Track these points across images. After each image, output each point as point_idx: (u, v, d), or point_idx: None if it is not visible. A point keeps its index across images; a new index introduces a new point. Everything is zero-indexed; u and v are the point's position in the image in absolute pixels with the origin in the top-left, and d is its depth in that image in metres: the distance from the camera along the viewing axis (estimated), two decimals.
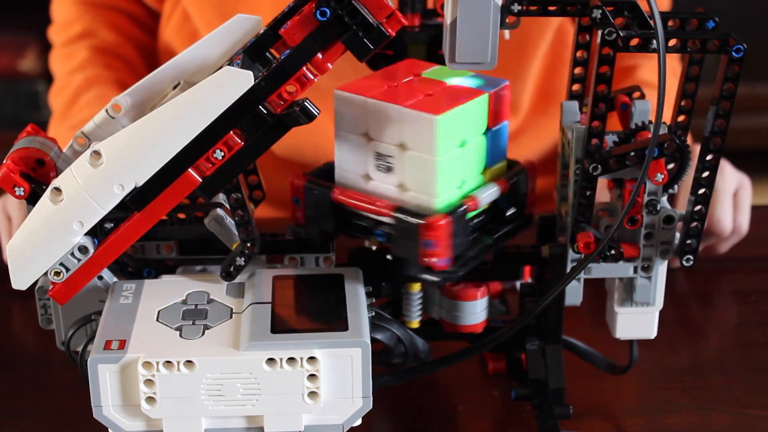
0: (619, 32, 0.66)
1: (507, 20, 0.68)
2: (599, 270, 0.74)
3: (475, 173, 0.71)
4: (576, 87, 0.76)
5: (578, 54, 0.75)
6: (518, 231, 0.74)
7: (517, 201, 0.73)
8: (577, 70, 0.76)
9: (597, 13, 0.67)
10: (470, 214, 0.69)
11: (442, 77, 0.72)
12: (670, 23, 0.70)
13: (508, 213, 0.73)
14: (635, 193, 0.67)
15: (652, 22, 0.67)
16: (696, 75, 0.71)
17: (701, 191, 0.71)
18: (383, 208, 0.68)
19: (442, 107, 0.67)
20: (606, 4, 0.67)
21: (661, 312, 0.76)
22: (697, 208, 0.71)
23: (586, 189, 0.70)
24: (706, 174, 0.70)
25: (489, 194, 0.71)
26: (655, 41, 0.65)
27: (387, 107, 0.67)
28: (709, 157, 0.70)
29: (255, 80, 0.63)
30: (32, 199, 0.67)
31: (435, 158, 0.67)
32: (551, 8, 0.69)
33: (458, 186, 0.69)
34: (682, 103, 0.72)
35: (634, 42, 0.66)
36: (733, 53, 0.67)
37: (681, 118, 0.73)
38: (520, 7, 0.68)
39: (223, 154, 0.65)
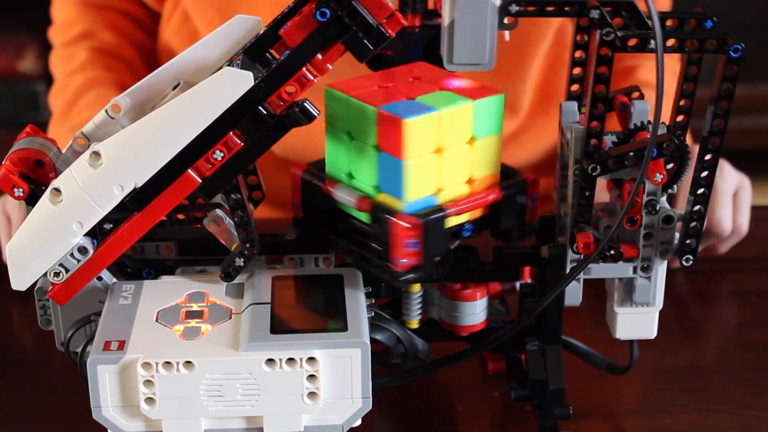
0: (617, 32, 0.66)
1: (505, 21, 0.68)
2: (599, 270, 0.74)
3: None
4: (575, 87, 0.76)
5: (577, 54, 0.75)
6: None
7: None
8: (576, 71, 0.76)
9: (595, 14, 0.67)
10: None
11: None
12: (668, 23, 0.70)
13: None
14: (634, 193, 0.67)
15: (650, 22, 0.67)
16: (694, 75, 0.71)
17: (700, 191, 0.71)
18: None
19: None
20: (604, 5, 0.67)
21: (660, 312, 0.76)
22: (696, 207, 0.71)
23: (585, 189, 0.70)
24: (705, 174, 0.70)
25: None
26: (653, 41, 0.65)
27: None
28: (707, 157, 0.70)
29: (255, 81, 0.63)
30: (31, 199, 0.67)
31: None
32: (549, 9, 0.69)
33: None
34: (681, 103, 0.72)
35: (632, 42, 0.66)
36: (731, 53, 0.66)
37: (680, 118, 0.73)
38: (517, 8, 0.68)
39: (222, 154, 0.65)
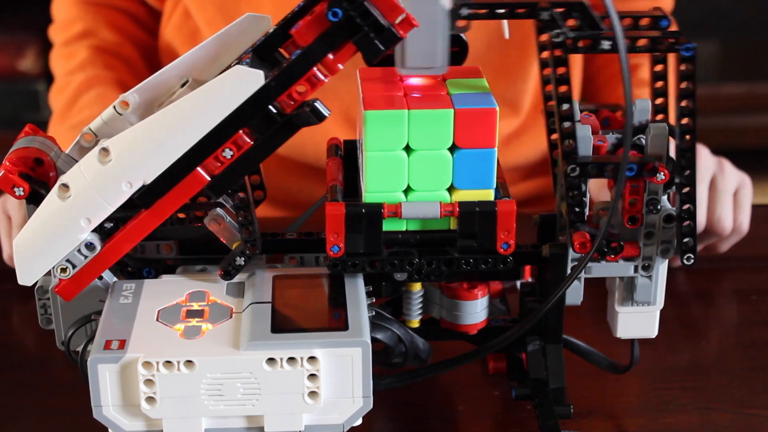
0: (568, 34, 0.65)
1: (456, 24, 0.68)
2: (600, 269, 0.74)
3: (433, 187, 0.69)
4: (549, 87, 0.75)
5: (543, 55, 0.74)
6: (474, 265, 0.70)
7: (474, 234, 0.69)
8: (546, 71, 0.75)
9: (545, 15, 0.67)
10: (393, 221, 0.68)
11: (458, 87, 0.70)
12: (624, 22, 0.69)
13: (459, 243, 0.69)
14: (615, 200, 0.68)
15: (605, 23, 0.67)
16: (662, 73, 0.71)
17: (685, 190, 0.71)
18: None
19: (385, 106, 0.67)
20: (555, 6, 0.67)
21: (661, 311, 0.76)
22: (685, 206, 0.71)
23: (569, 190, 0.70)
24: (687, 173, 0.70)
25: (420, 210, 0.69)
26: (603, 42, 0.65)
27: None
28: (684, 158, 0.69)
29: (265, 80, 0.63)
30: (32, 199, 0.67)
31: (365, 152, 0.67)
32: (500, 11, 0.68)
33: (401, 190, 0.68)
34: (657, 102, 0.72)
35: (583, 43, 0.66)
36: (683, 52, 0.66)
37: (660, 117, 0.73)
38: (468, 11, 0.68)
39: (232, 153, 0.65)
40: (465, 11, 0.67)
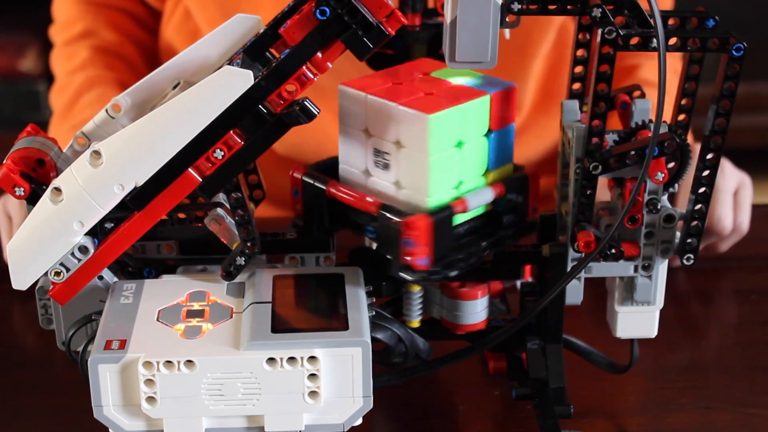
0: (619, 31, 0.66)
1: (507, 19, 0.68)
2: (600, 269, 0.74)
3: (474, 175, 0.71)
4: (576, 86, 0.76)
5: (578, 53, 0.75)
6: (516, 237, 0.74)
7: (515, 206, 0.73)
8: (578, 69, 0.76)
9: (597, 12, 0.67)
10: (459, 216, 0.69)
11: (450, 77, 0.72)
12: (670, 22, 0.70)
13: (505, 219, 0.72)
14: (635, 192, 0.67)
15: (652, 21, 0.67)
16: (696, 74, 0.71)
17: (701, 190, 0.71)
18: (370, 205, 0.69)
19: (437, 106, 0.67)
20: (606, 3, 0.67)
21: (661, 311, 0.76)
22: (698, 206, 0.71)
23: (587, 188, 0.70)
24: (706, 173, 0.70)
25: (480, 198, 0.70)
26: (655, 40, 0.65)
27: (385, 104, 0.68)
28: (709, 156, 0.70)
29: (255, 79, 0.63)
30: (32, 199, 0.67)
31: (428, 157, 0.67)
32: (551, 7, 0.69)
33: (455, 186, 0.69)
34: (683, 102, 0.72)
35: (634, 41, 0.66)
36: (734, 52, 0.67)
37: (681, 116, 0.73)
38: (520, 6, 0.68)
39: (223, 153, 0.65)
40: (516, 6, 0.68)
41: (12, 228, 1.00)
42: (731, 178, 1.02)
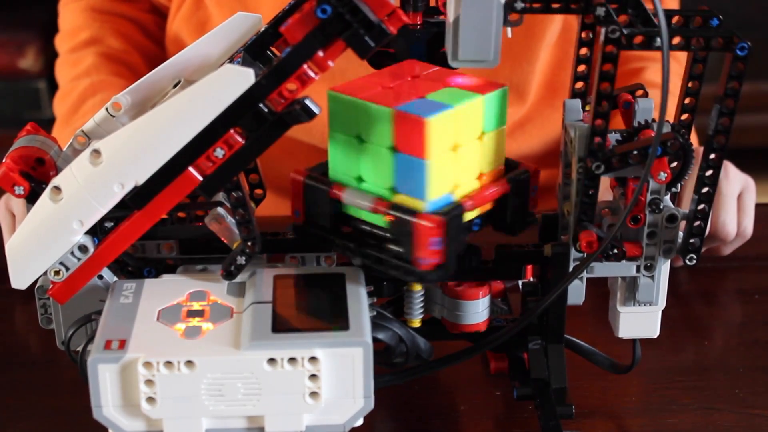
0: (623, 30, 0.65)
1: (510, 17, 0.68)
2: (602, 269, 0.74)
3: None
4: (579, 85, 0.76)
5: (581, 51, 0.75)
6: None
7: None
8: (581, 68, 0.75)
9: (601, 11, 0.67)
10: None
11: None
12: (674, 20, 0.69)
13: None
14: (638, 192, 0.67)
15: (655, 19, 0.66)
16: (699, 73, 0.71)
17: (704, 190, 0.71)
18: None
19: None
20: (610, 2, 0.67)
21: (663, 311, 0.76)
22: (701, 207, 0.71)
23: (589, 188, 0.70)
24: (709, 173, 0.70)
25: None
26: (658, 39, 0.65)
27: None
28: (712, 156, 0.69)
29: (255, 78, 0.63)
30: (32, 198, 0.67)
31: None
32: (554, 5, 0.69)
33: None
34: (686, 101, 0.72)
35: (638, 40, 0.66)
36: (738, 51, 0.66)
37: (684, 116, 0.73)
38: (523, 5, 0.68)
39: (223, 152, 0.64)
40: (519, 5, 0.67)
41: (15, 225, 1.00)
42: (735, 181, 1.01)
